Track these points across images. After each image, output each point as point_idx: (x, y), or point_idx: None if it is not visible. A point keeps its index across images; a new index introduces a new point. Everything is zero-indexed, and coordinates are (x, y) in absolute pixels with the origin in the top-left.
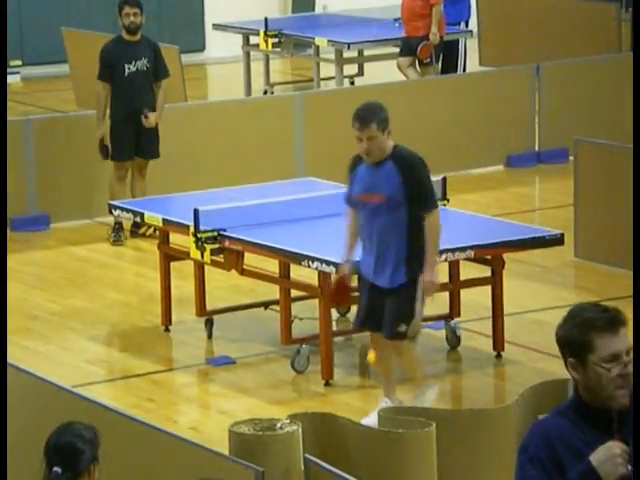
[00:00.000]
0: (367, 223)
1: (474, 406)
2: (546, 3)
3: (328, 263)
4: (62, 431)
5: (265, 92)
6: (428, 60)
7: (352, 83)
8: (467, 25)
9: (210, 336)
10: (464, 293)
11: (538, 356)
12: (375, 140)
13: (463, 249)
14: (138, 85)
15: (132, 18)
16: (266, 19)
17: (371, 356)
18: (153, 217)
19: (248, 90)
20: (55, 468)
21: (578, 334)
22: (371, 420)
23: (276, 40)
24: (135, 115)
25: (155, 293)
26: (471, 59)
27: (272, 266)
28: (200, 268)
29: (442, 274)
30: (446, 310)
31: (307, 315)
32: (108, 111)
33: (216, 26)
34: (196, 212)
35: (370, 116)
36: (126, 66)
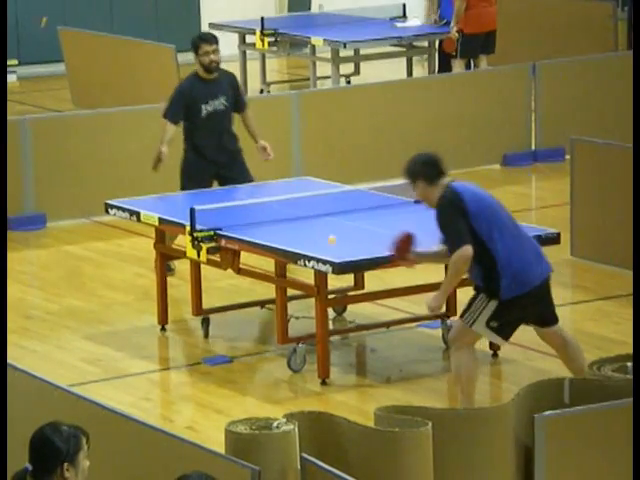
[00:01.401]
0: None
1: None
2: (542, 2)
3: (324, 262)
4: (42, 427)
5: (261, 91)
6: (454, 53)
7: (348, 82)
8: None
9: (206, 335)
10: (460, 292)
11: (534, 355)
12: (421, 194)
13: None
14: (216, 127)
15: (212, 56)
16: (262, 18)
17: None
18: (149, 216)
19: (244, 89)
20: (27, 464)
21: None
22: None
23: (272, 39)
24: (211, 164)
25: (151, 292)
26: None
27: (268, 265)
28: (196, 267)
29: (438, 273)
30: (442, 309)
31: (303, 314)
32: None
33: (212, 25)
34: (192, 211)
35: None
36: (203, 107)
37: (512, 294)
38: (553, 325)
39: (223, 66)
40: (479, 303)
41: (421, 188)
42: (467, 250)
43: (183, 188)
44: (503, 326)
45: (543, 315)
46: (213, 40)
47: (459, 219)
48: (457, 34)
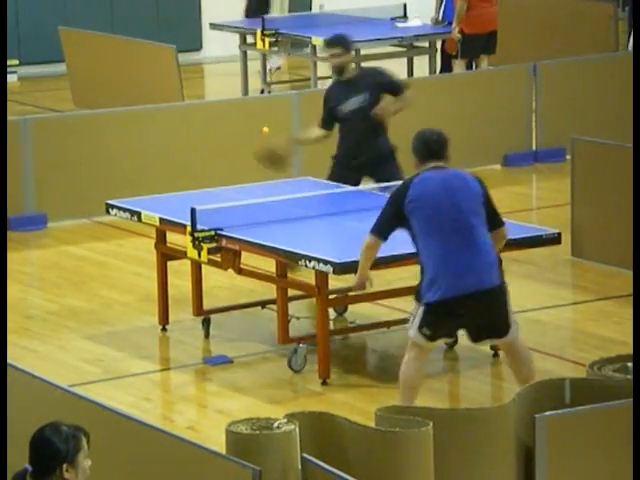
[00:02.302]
0: None
1: (471, 405)
2: (543, 2)
3: (325, 262)
4: (42, 428)
5: (262, 91)
6: (454, 54)
7: None
8: None
9: (207, 335)
10: None
11: (535, 355)
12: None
13: None
14: (352, 127)
15: (333, 60)
16: (263, 18)
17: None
18: (150, 216)
19: (245, 89)
20: (27, 465)
21: None
22: None
23: (273, 39)
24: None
25: (152, 292)
26: None
27: (269, 265)
28: (197, 267)
29: None
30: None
31: (304, 314)
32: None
33: (213, 25)
34: (193, 211)
35: None
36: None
37: (432, 298)
38: (501, 337)
39: (223, 66)
40: (414, 309)
41: (412, 162)
42: (369, 239)
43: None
44: (435, 335)
45: (483, 327)
46: (331, 44)
47: (391, 207)
48: (459, 35)
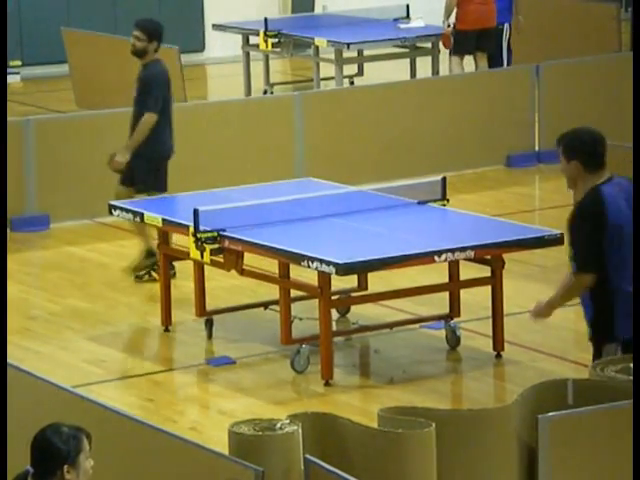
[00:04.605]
0: None
1: (474, 406)
2: (546, 3)
3: (328, 263)
4: (44, 430)
5: (265, 92)
6: (449, 50)
7: (352, 83)
8: None
9: (210, 336)
10: (464, 293)
11: (538, 356)
12: (565, 172)
13: (463, 249)
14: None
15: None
16: (266, 19)
17: None
18: (153, 217)
19: (248, 90)
20: (28, 466)
21: None
22: None
23: (276, 40)
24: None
25: (155, 293)
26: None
27: (272, 266)
28: (200, 268)
29: (442, 274)
30: (446, 310)
31: (307, 315)
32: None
33: (216, 26)
34: (196, 212)
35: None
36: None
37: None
38: None
39: (226, 67)
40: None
41: (562, 163)
42: (584, 277)
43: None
44: None
45: None
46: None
47: (594, 235)
48: (449, 29)
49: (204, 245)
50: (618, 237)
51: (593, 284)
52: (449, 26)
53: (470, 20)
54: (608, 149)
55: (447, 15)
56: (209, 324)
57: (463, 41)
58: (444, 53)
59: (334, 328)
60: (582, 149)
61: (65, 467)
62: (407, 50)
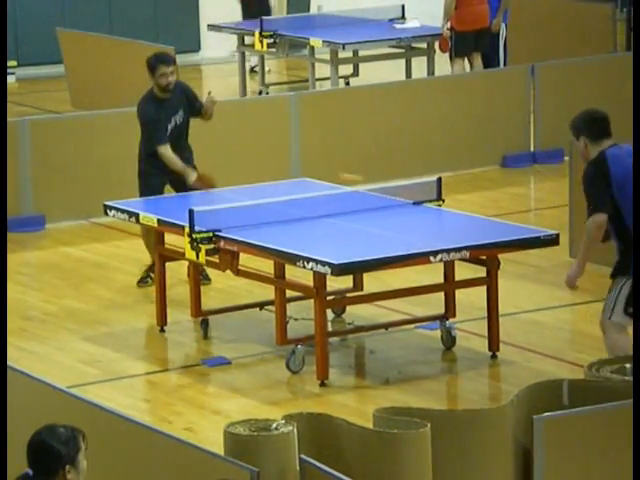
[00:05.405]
0: None
1: (469, 406)
2: (541, 3)
3: (323, 264)
4: (40, 431)
5: (260, 92)
6: (449, 54)
7: (347, 83)
8: None
9: (205, 336)
10: (459, 293)
11: (533, 356)
12: (578, 149)
13: (458, 249)
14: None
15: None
16: (261, 19)
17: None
18: (148, 217)
19: (243, 91)
20: (27, 469)
21: None
22: None
23: (271, 40)
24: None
25: (150, 293)
26: None
27: (267, 267)
28: (195, 269)
29: (437, 274)
30: (441, 310)
31: (302, 316)
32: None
33: (211, 27)
34: (191, 212)
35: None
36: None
37: None
38: None
39: (221, 67)
40: (614, 292)
41: (582, 145)
42: (600, 217)
43: (140, 195)
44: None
45: None
46: (171, 61)
47: (600, 183)
48: (448, 32)
49: (199, 245)
50: (626, 185)
51: (610, 224)
52: (448, 29)
53: (469, 21)
54: None
55: (447, 18)
56: (204, 324)
57: (463, 42)
58: (440, 54)
59: (329, 328)
60: (584, 125)
61: (67, 467)
62: (402, 50)
